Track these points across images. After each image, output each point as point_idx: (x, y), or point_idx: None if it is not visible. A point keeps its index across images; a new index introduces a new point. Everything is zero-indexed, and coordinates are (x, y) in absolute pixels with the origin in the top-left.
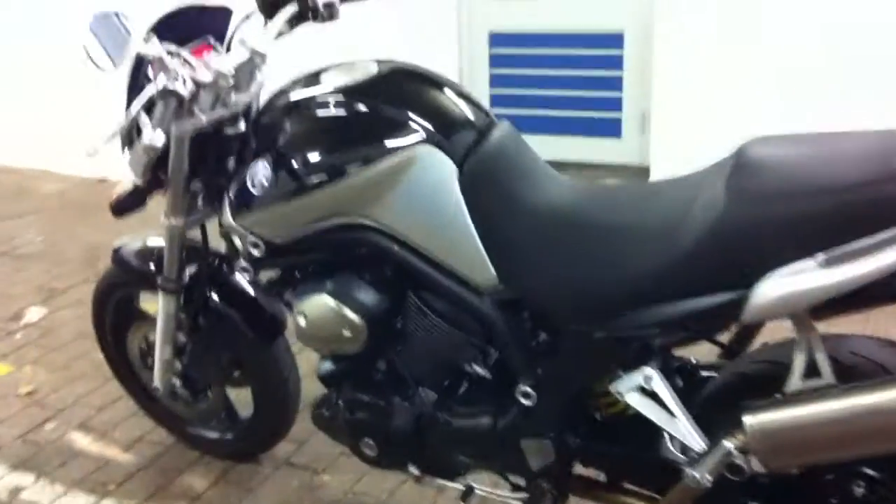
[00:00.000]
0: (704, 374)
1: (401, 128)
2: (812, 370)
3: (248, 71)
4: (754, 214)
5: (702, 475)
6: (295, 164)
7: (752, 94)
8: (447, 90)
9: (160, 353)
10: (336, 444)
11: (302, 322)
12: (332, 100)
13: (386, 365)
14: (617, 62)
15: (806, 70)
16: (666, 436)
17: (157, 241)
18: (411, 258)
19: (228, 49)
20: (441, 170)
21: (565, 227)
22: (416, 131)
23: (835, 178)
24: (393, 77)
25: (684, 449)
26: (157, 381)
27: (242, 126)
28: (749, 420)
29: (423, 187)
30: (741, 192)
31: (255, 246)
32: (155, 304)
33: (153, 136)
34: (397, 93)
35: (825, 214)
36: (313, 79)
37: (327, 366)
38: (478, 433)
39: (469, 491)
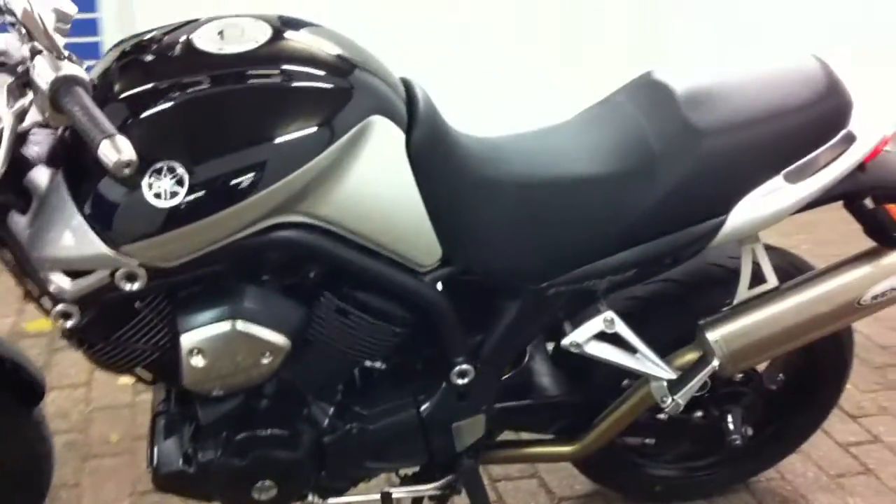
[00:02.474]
0: None
1: (346, 98)
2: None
3: None
4: (725, 145)
5: (677, 402)
6: (220, 168)
7: None
8: (360, 46)
9: None
10: None
11: (198, 363)
12: (251, 73)
13: (282, 386)
14: None
15: None
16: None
17: None
18: (344, 250)
19: None
20: (392, 143)
21: (524, 190)
22: (365, 100)
23: (784, 102)
24: (303, 36)
25: None
26: None
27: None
28: (711, 336)
29: (373, 165)
30: (707, 125)
31: (131, 278)
32: None
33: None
34: (324, 56)
35: (784, 135)
36: (188, 46)
37: (208, 411)
38: (400, 430)
39: (387, 497)
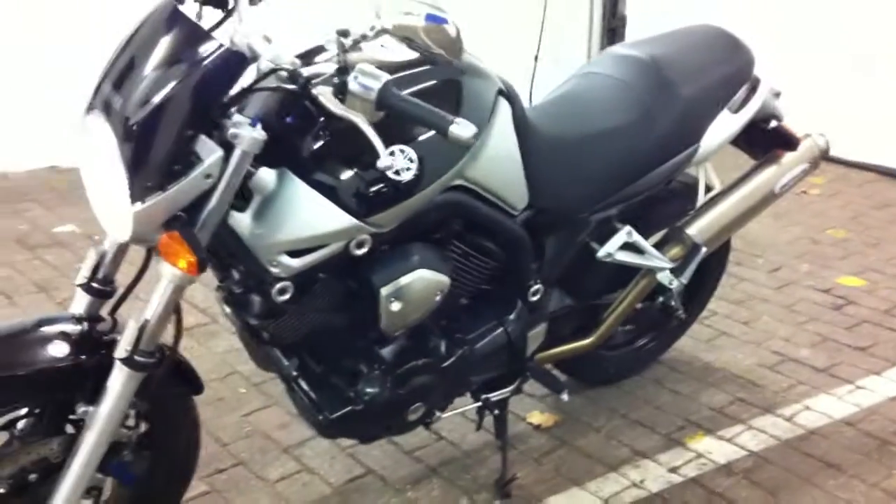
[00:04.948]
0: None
1: (488, 84)
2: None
3: None
4: (693, 92)
5: (676, 280)
6: (433, 147)
7: None
8: None
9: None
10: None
11: (395, 307)
12: (428, 73)
13: (424, 323)
14: None
15: None
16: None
17: None
18: (479, 204)
19: None
20: (505, 115)
21: (575, 143)
22: (493, 83)
23: (718, 56)
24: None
25: None
26: None
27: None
28: (691, 231)
29: (497, 134)
30: (678, 79)
31: (360, 245)
32: None
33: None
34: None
35: (724, 79)
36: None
37: (389, 351)
38: (494, 346)
39: (487, 402)
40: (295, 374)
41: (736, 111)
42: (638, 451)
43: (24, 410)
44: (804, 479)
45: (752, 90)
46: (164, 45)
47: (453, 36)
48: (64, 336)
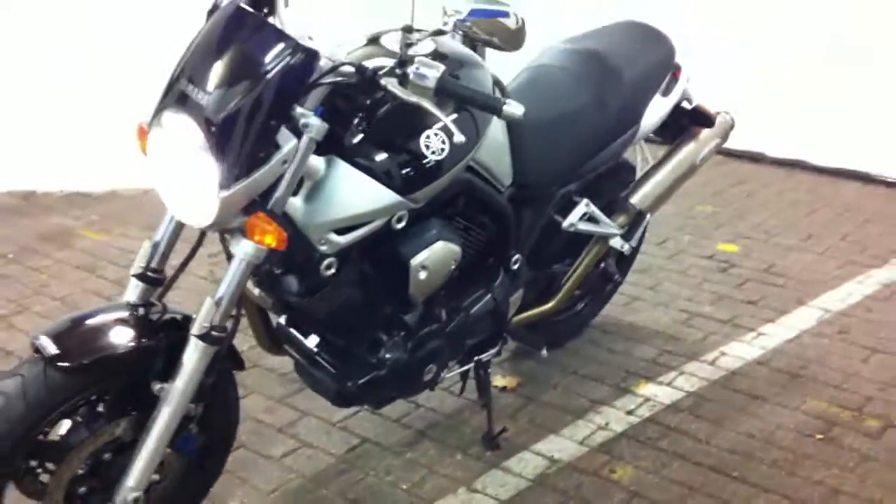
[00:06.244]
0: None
1: (483, 71)
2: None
3: None
4: (633, 78)
5: (626, 244)
6: (466, 125)
7: None
8: None
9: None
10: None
11: (422, 276)
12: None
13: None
14: None
15: None
16: None
17: None
18: (480, 181)
19: None
20: None
21: (547, 125)
22: (488, 71)
23: (649, 46)
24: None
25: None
26: None
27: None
28: (635, 200)
29: (495, 122)
30: (621, 65)
31: (400, 220)
32: None
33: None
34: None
35: (656, 65)
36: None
37: (410, 317)
38: (484, 311)
39: (479, 363)
40: (315, 349)
41: (665, 95)
42: (595, 400)
43: (93, 396)
44: (739, 410)
45: (674, 77)
46: (243, 44)
47: (513, 27)
48: (125, 322)
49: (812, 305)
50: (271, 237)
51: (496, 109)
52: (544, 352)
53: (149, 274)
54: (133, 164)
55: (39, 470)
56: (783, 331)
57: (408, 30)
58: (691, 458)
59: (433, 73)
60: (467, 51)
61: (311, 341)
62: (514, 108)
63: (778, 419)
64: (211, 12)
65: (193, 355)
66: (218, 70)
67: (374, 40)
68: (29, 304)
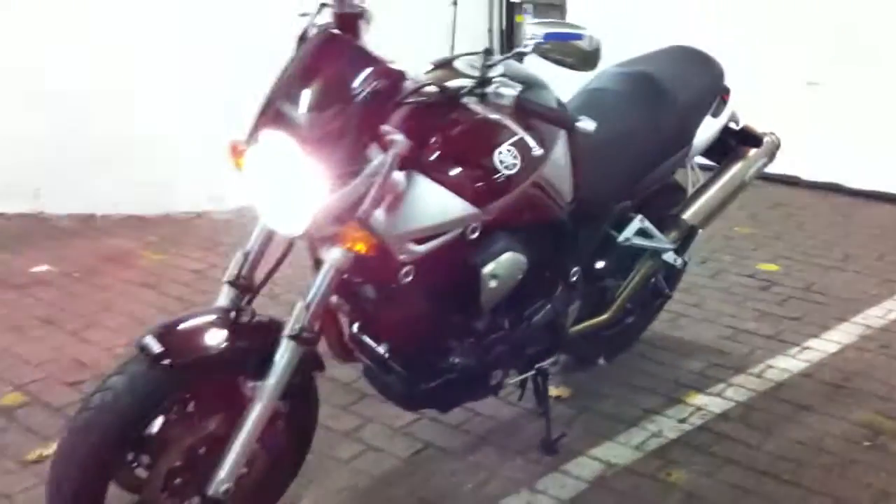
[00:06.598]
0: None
1: (548, 92)
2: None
3: None
4: (686, 100)
5: (678, 258)
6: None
7: None
8: None
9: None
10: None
11: (492, 284)
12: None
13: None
14: None
15: None
16: None
17: None
18: (545, 197)
19: None
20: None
21: (606, 145)
22: (552, 92)
23: (700, 69)
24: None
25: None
26: None
27: None
28: (687, 216)
29: (558, 142)
30: (676, 89)
31: (474, 231)
32: None
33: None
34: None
35: (707, 89)
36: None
37: (479, 324)
38: (545, 321)
39: (541, 370)
40: (387, 355)
41: (714, 116)
42: (647, 410)
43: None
44: (787, 419)
45: (723, 100)
46: (336, 66)
47: (587, 49)
48: (220, 325)
49: (853, 321)
50: (362, 244)
51: (569, 126)
52: (601, 360)
53: (240, 281)
54: (184, 189)
55: (135, 463)
56: (826, 345)
57: (488, 52)
58: (743, 462)
59: (511, 91)
60: (533, 73)
61: (383, 347)
62: (587, 123)
63: (825, 427)
64: (301, 38)
65: (285, 355)
66: (313, 91)
67: (443, 64)
68: (99, 319)
